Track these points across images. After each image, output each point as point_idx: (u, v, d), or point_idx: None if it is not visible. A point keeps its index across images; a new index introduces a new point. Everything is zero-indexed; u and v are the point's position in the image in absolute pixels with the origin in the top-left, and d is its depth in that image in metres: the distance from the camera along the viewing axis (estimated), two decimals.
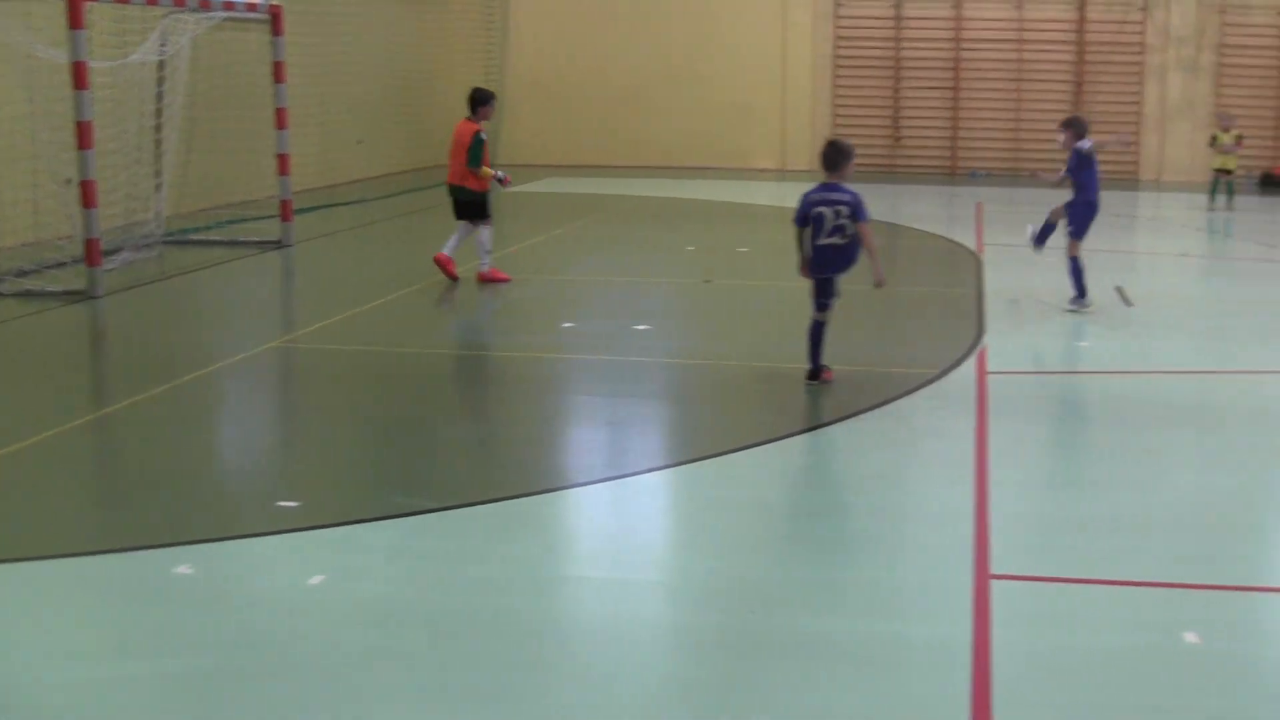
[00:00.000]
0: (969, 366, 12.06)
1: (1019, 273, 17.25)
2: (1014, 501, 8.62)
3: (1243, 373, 12.42)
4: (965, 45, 31.71)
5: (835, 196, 11.15)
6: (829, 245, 11.20)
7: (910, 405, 10.91)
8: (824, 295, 11.38)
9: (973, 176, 31.25)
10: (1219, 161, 25.61)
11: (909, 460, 9.78)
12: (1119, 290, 15.60)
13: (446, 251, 16.27)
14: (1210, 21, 31.35)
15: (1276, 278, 17.85)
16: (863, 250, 11.12)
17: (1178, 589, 7.30)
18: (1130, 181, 31.06)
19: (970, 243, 20.04)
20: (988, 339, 13.06)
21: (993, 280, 16.76)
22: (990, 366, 12.00)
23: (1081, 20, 31.41)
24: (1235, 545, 8.01)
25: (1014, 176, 30.70)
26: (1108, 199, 27.02)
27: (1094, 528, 8.22)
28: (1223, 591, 7.28)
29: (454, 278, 16.18)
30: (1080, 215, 14.71)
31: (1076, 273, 14.71)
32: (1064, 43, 31.60)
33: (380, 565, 7.55)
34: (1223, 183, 25.61)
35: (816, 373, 11.40)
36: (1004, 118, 31.72)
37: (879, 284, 11.34)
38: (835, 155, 11.26)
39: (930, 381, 11.53)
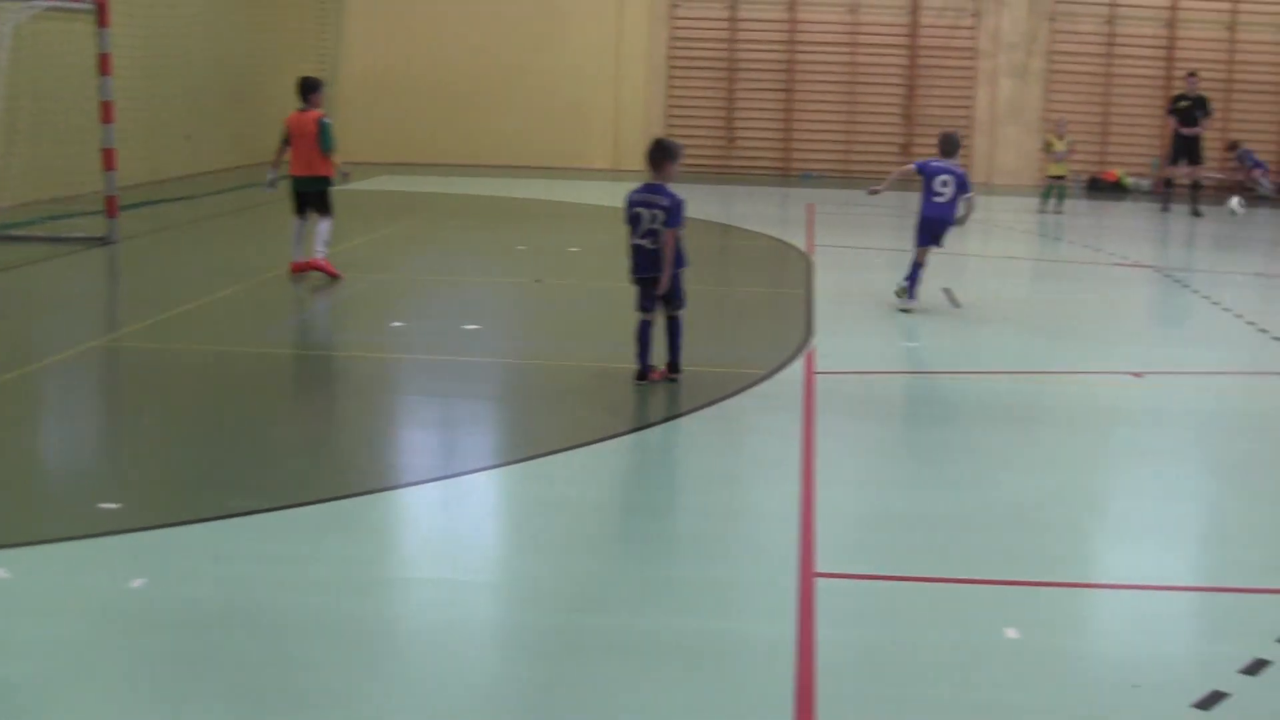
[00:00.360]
0: (797, 367, 12.16)
1: (849, 274, 17.42)
2: (839, 500, 8.70)
3: (1068, 373, 12.65)
4: (799, 48, 31.99)
5: (653, 199, 11.12)
6: (640, 246, 11.22)
7: (738, 405, 10.98)
8: (646, 297, 11.38)
9: (805, 178, 31.50)
10: (1053, 169, 26.26)
11: (736, 460, 9.85)
12: (946, 291, 15.80)
13: (297, 257, 16.21)
14: (1040, 28, 31.96)
15: (1102, 280, 18.21)
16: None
17: (999, 586, 7.43)
18: None
19: (801, 244, 20.19)
20: (816, 339, 13.17)
21: (823, 281, 16.91)
22: (818, 367, 12.11)
23: (914, 25, 31.84)
24: (1055, 543, 8.16)
25: (846, 178, 31.07)
26: None
27: (918, 526, 8.34)
28: (1042, 588, 7.43)
29: (302, 269, 16.19)
30: (919, 225, 15.13)
31: (913, 274, 15.02)
32: (897, 47, 32.01)
33: (205, 567, 7.42)
34: (1055, 187, 26.23)
35: (645, 373, 11.42)
36: (837, 120, 32.04)
37: (660, 292, 11.30)
38: (659, 155, 11.23)
39: (758, 382, 11.60)
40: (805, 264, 18.31)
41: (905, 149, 31.96)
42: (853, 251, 19.73)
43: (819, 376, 11.82)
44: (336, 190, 16.29)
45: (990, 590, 7.38)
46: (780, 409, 10.81)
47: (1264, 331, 14.76)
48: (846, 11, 31.82)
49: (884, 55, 32.03)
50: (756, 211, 25.17)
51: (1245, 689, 6.18)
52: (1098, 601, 7.44)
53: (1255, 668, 6.38)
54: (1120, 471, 9.93)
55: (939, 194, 15.18)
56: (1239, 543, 8.46)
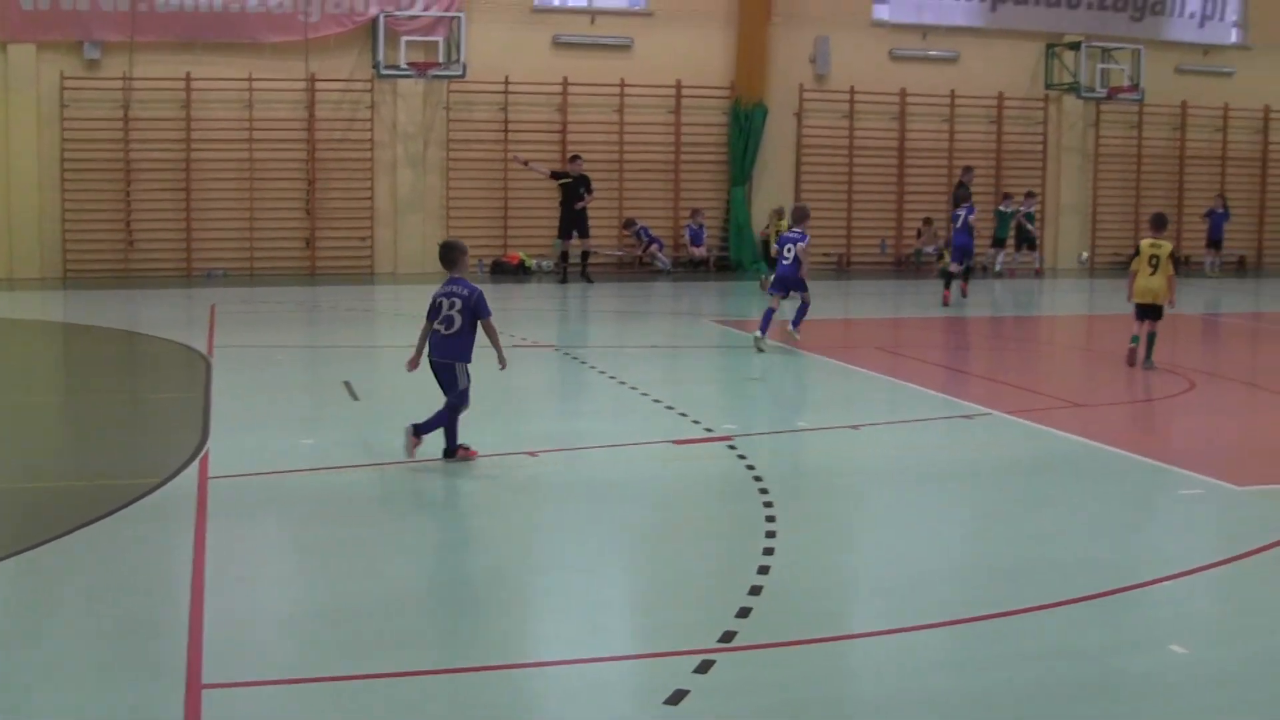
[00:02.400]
0: (191, 472, 11.86)
1: (249, 373, 17.24)
2: (230, 607, 8.54)
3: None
4: (196, 146, 31.39)
5: (455, 289, 12.36)
6: (437, 332, 12.43)
7: (129, 517, 10.60)
8: (442, 383, 12.56)
9: (210, 277, 30.94)
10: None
11: (124, 575, 9.46)
12: (346, 385, 15.83)
13: None
14: (436, 118, 32.58)
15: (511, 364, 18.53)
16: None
17: (388, 679, 7.45)
18: (367, 276, 31.76)
19: (202, 345, 19.79)
20: (211, 443, 12.91)
21: (221, 382, 16.55)
22: (213, 471, 11.84)
23: (311, 119, 31.85)
24: (442, 625, 8.26)
25: (251, 275, 30.80)
26: (345, 293, 27.61)
27: (306, 625, 8.32)
28: (429, 676, 7.51)
29: None
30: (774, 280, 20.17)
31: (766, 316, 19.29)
32: (294, 141, 31.95)
33: None
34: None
35: (452, 450, 12.42)
36: (239, 217, 31.58)
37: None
38: (450, 253, 12.74)
39: (151, 491, 11.23)
40: (205, 366, 17.95)
41: (310, 244, 31.96)
42: (254, 350, 19.53)
43: (213, 481, 11.57)
44: None
45: (377, 683, 7.40)
46: (172, 518, 10.50)
47: (657, 401, 15.41)
48: (241, 108, 31.45)
49: (282, 149, 31.91)
50: (158, 315, 24.57)
51: None
52: (489, 684, 7.53)
53: None
54: (514, 550, 10.17)
55: (785, 257, 19.63)
56: (639, 610, 8.84)
